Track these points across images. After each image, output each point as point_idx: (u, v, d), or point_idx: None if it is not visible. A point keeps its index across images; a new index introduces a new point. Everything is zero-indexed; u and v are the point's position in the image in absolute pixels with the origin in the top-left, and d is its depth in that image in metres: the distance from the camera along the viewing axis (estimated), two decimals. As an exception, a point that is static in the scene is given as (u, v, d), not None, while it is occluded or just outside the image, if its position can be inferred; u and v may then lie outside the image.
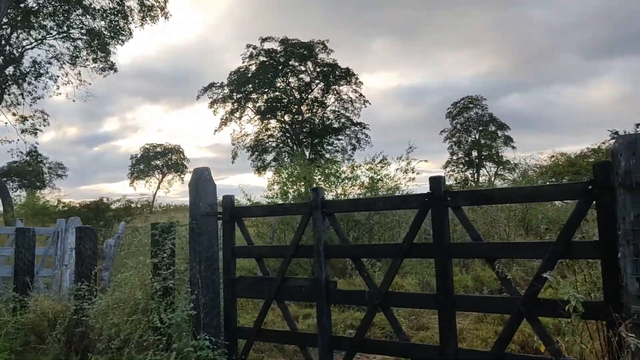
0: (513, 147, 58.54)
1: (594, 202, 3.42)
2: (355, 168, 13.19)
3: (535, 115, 77.04)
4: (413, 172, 12.69)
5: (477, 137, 60.39)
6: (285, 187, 13.88)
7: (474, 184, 57.40)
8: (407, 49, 76.95)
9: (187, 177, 64.85)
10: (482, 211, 13.84)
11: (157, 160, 70.11)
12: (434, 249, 4.09)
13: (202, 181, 5.51)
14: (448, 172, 59.73)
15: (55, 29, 23.96)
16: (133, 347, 5.35)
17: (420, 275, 10.79)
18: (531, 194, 4.15)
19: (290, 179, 13.99)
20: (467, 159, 61.71)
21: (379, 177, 12.58)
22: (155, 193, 64.31)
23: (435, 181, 4.13)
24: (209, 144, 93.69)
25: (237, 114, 46.01)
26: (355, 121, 47.64)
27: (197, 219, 5.43)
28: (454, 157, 61.74)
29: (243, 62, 45.93)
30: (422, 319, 8.37)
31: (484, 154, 60.81)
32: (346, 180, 12.85)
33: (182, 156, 70.45)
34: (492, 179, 58.22)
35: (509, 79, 79.33)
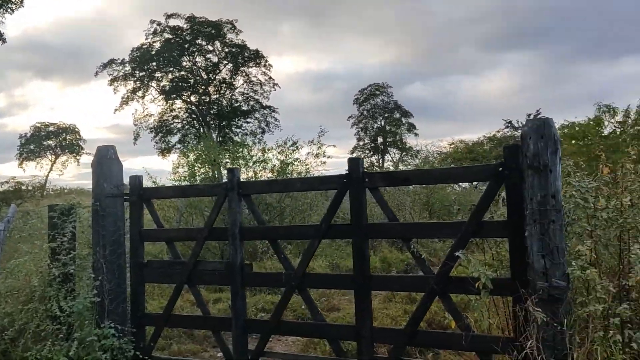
0: (416, 134, 61.06)
1: (503, 183, 3.59)
2: (267, 151, 13.08)
3: (436, 104, 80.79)
4: (324, 156, 12.84)
5: (382, 123, 62.19)
6: (193, 169, 13.46)
7: (378, 169, 59.33)
8: (315, 33, 77.27)
9: (84, 158, 61.20)
10: (387, 195, 14.29)
11: (49, 140, 65.20)
12: (351, 229, 4.11)
13: (106, 160, 5.16)
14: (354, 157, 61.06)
15: None
16: (29, 337, 4.95)
17: (330, 257, 10.96)
18: (445, 175, 4.27)
19: (199, 161, 13.58)
20: (373, 144, 63.41)
21: (289, 160, 12.53)
22: (48, 175, 59.88)
23: (354, 162, 4.14)
24: (108, 125, 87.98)
25: (140, 93, 43.91)
26: (264, 104, 47.24)
27: (102, 201, 5.08)
28: (361, 143, 63.26)
29: (146, 39, 43.79)
30: (332, 301, 8.51)
31: (389, 140, 62.85)
32: (257, 164, 12.69)
33: (77, 136, 66.03)
34: (397, 165, 60.53)
35: (412, 68, 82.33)
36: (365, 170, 4.12)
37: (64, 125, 65.81)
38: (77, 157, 65.56)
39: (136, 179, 5.23)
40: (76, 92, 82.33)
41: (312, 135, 13.06)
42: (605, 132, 19.57)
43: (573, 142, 18.81)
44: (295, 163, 12.87)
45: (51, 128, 65.40)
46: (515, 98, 76.72)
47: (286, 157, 12.65)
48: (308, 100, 76.52)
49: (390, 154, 63.43)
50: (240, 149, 13.84)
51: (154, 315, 5.16)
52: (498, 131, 38.41)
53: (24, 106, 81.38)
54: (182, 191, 5.40)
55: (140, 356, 4.91)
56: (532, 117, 38.83)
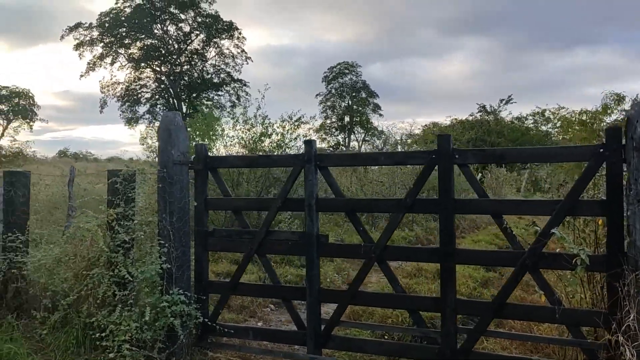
0: (380, 115, 61.68)
1: (604, 164, 3.78)
2: (269, 127, 12.89)
3: (396, 85, 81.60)
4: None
5: (349, 103, 62.38)
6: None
7: (344, 148, 59.75)
8: (276, 7, 76.14)
9: (37, 124, 58.71)
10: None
11: (1, 104, 62.10)
12: (438, 204, 4.24)
13: (174, 127, 5.10)
14: (321, 135, 61.25)
15: None
16: (93, 303, 4.90)
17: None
18: (542, 154, 4.42)
19: (198, 133, 13.36)
20: (339, 123, 63.59)
21: (294, 136, 12.46)
22: (-1, 141, 57.28)
23: (444, 139, 4.25)
24: (57, 91, 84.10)
25: (108, 60, 42.50)
26: (235, 78, 46.55)
27: (169, 168, 5.04)
28: (328, 122, 63.33)
29: (116, 3, 42.28)
30: (353, 274, 8.68)
31: (356, 119, 63.17)
32: (226, 138, 12.64)
33: (31, 102, 63.14)
34: (360, 144, 61.12)
35: (373, 47, 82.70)
36: (454, 147, 4.24)
37: (17, 90, 62.88)
38: (31, 123, 62.88)
39: (202, 147, 5.19)
40: (25, 55, 78.26)
41: (276, 111, 13.09)
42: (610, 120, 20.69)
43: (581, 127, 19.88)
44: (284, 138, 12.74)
45: (3, 92, 62.39)
46: (471, 83, 78.41)
47: (289, 133, 12.56)
48: (270, 74, 75.61)
49: (354, 134, 63.89)
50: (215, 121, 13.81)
51: (220, 283, 5.18)
52: (471, 115, 39.31)
53: (-35, 67, 76.99)
54: (252, 161, 5.36)
55: (209, 323, 4.95)
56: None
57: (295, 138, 12.59)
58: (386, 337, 5.04)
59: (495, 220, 4.17)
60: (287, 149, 12.70)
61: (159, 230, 5.03)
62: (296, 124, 12.59)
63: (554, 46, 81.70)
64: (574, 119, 20.85)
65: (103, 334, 4.58)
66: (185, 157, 5.15)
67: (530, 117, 40.28)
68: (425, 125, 40.04)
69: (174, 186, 5.02)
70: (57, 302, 5.02)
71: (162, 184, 5.03)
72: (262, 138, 12.35)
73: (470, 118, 38.49)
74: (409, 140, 34.22)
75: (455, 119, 39.45)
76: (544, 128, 40.92)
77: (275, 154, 9.92)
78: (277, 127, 12.78)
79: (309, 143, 4.73)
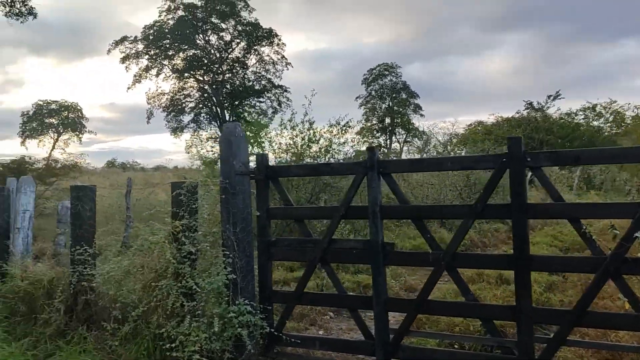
0: (422, 115, 60.98)
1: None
2: (316, 133, 12.88)
3: (435, 85, 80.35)
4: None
5: (390, 104, 61.90)
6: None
7: (385, 150, 59.27)
8: (313, 12, 76.22)
9: (85, 136, 60.97)
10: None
11: (51, 118, 64.56)
12: (511, 209, 4.10)
13: (235, 137, 5.13)
14: (362, 138, 60.96)
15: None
16: (162, 314, 4.96)
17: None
18: (621, 154, 4.21)
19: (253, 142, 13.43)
20: (380, 125, 63.19)
21: (342, 141, 12.42)
22: (51, 153, 59.55)
23: (515, 141, 4.12)
24: (104, 103, 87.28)
25: (154, 72, 43.54)
26: (276, 84, 46.89)
27: (231, 178, 5.06)
28: (368, 124, 63.02)
29: (160, 16, 43.30)
30: (410, 280, 8.55)
31: (397, 121, 62.63)
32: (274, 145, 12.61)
33: (80, 114, 65.42)
34: (401, 146, 60.49)
35: (411, 47, 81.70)
36: (525, 150, 4.09)
37: (66, 103, 65.22)
38: (80, 136, 65.17)
39: (262, 157, 5.20)
40: (72, 69, 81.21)
41: (315, 116, 12.97)
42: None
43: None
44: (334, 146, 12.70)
45: (53, 106, 64.86)
46: (513, 80, 76.49)
47: (337, 138, 12.51)
48: (307, 79, 75.67)
49: (396, 135, 63.35)
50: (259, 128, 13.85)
51: (284, 293, 5.17)
52: (517, 112, 38.33)
53: (18, 83, 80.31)
54: (312, 169, 5.35)
55: (275, 333, 4.94)
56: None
57: (344, 143, 12.56)
58: (456, 346, 4.91)
59: (573, 225, 3.99)
60: (335, 155, 12.67)
61: (223, 240, 5.06)
62: (344, 128, 12.54)
63: (599, 38, 78.89)
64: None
65: (173, 345, 4.62)
66: (247, 167, 5.17)
67: (581, 113, 38.90)
68: (470, 124, 39.30)
69: (236, 196, 5.05)
70: (127, 313, 5.10)
71: (224, 194, 5.07)
72: (310, 144, 12.35)
73: (517, 115, 37.57)
74: (454, 140, 33.64)
75: (501, 117, 38.57)
76: (595, 123, 39.48)
77: (334, 161, 9.87)
78: (325, 133, 12.78)
79: (371, 150, 4.67)
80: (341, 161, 11.82)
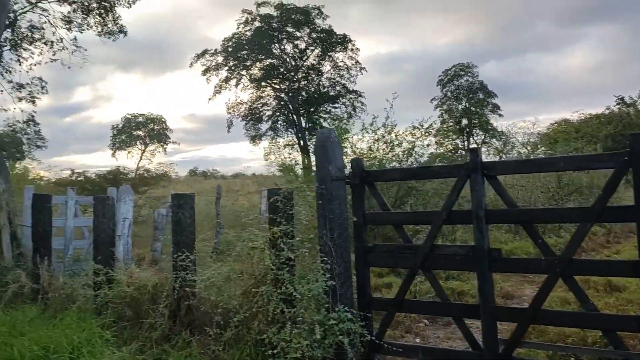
0: (500, 115, 58.92)
1: None
2: (396, 135, 12.67)
3: (511, 83, 77.23)
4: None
5: (466, 105, 60.28)
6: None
7: (463, 152, 57.60)
8: (383, 15, 75.60)
9: (170, 147, 64.10)
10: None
11: (139, 130, 68.48)
12: (635, 211, 3.76)
13: (330, 143, 5.09)
14: (438, 140, 59.65)
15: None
16: (262, 320, 4.99)
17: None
18: None
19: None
20: (457, 127, 61.62)
21: (426, 143, 12.17)
22: (138, 163, 62.97)
23: (637, 138, 3.79)
24: (185, 114, 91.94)
25: (233, 82, 44.95)
26: (350, 89, 46.97)
27: (327, 184, 5.02)
28: (445, 125, 61.62)
29: (238, 28, 44.66)
30: (506, 287, 8.19)
31: (474, 122, 60.85)
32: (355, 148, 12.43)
33: (164, 126, 68.90)
34: (480, 147, 58.52)
35: (486, 46, 79.06)
36: (650, 146, 3.74)
37: (152, 116, 68.93)
38: (165, 146, 68.62)
39: (358, 162, 5.13)
40: (155, 83, 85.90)
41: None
42: None
43: None
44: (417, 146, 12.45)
45: (140, 119, 68.72)
46: (598, 75, 71.99)
47: (420, 139, 12.27)
48: (380, 83, 75.05)
49: (473, 137, 61.48)
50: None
51: (385, 300, 5.06)
52: (607, 108, 36.07)
53: (107, 98, 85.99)
54: (411, 173, 5.22)
55: (377, 341, 4.83)
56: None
57: (428, 145, 12.29)
58: (572, 359, 4.59)
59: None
60: (417, 158, 12.43)
61: (321, 246, 5.03)
62: (427, 131, 12.27)
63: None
64: None
65: (274, 351, 4.63)
66: (342, 172, 5.12)
67: None
68: (555, 122, 37.39)
69: (333, 202, 5.00)
70: (228, 319, 5.18)
71: (321, 200, 5.04)
72: (394, 147, 12.17)
73: (607, 112, 35.30)
74: (532, 140, 32.05)
75: (590, 114, 36.40)
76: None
77: (441, 164, 9.55)
78: (407, 135, 12.56)
79: (474, 151, 4.48)
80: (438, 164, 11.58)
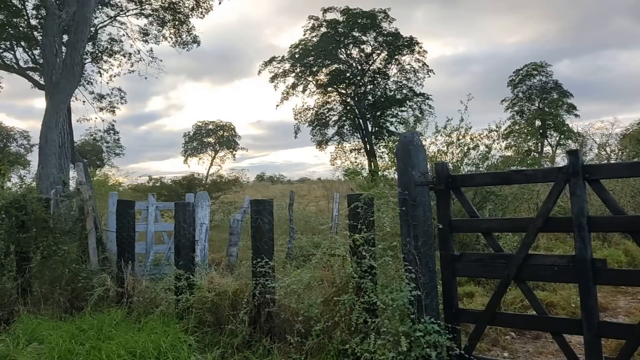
0: (576, 115, 56.13)
1: None
2: (471, 138, 12.25)
3: (586, 82, 73.22)
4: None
5: (539, 105, 57.83)
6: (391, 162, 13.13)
7: (537, 155, 55.25)
8: (449, 16, 73.85)
9: (239, 153, 65.72)
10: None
11: (209, 137, 70.66)
12: None
13: (414, 147, 4.89)
14: (510, 142, 57.57)
15: (127, 7, 23.77)
16: (345, 329, 4.86)
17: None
18: None
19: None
20: (529, 128, 59.21)
21: (503, 145, 11.69)
22: (209, 170, 64.86)
23: None
24: (252, 121, 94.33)
25: (300, 88, 45.39)
26: (417, 92, 46.22)
27: (410, 189, 4.83)
28: (516, 127, 59.37)
29: (304, 35, 45.10)
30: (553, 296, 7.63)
31: (549, 123, 58.28)
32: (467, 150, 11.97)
33: (233, 133, 70.73)
34: (554, 149, 55.95)
35: (557, 45, 75.42)
36: None
37: (222, 123, 70.95)
38: (234, 152, 70.46)
39: (443, 166, 4.90)
40: (224, 91, 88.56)
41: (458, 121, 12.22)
42: None
43: None
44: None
45: (210, 126, 70.91)
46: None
47: (496, 142, 11.80)
48: (446, 85, 73.30)
49: (547, 138, 58.83)
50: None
51: (475, 312, 4.79)
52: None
53: (179, 107, 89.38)
54: (503, 177, 4.92)
55: (466, 355, 4.58)
56: None
57: (506, 148, 11.80)
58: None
59: None
60: (492, 161, 11.97)
61: (404, 255, 4.83)
62: (504, 133, 11.77)
63: None
64: None
65: (358, 362, 4.49)
66: (426, 177, 4.91)
67: None
68: (637, 122, 35.03)
69: (416, 208, 4.80)
70: (309, 327, 5.09)
71: (404, 206, 4.85)
72: (470, 151, 11.76)
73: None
74: (628, 140, 30.06)
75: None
76: None
77: (536, 168, 9.11)
78: (483, 138, 12.11)
79: (574, 154, 4.14)
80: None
